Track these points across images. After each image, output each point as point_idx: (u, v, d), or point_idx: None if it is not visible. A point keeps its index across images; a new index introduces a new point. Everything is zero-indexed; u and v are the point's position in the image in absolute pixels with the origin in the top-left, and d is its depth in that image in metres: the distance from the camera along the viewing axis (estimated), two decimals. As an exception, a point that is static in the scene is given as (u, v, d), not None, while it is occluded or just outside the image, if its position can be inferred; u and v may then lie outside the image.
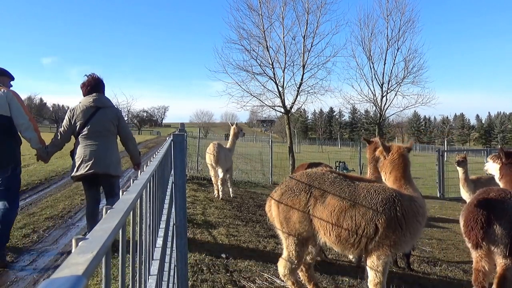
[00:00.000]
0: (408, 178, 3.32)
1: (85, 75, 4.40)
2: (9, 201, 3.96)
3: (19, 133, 4.11)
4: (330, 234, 3.10)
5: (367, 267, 3.17)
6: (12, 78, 4.35)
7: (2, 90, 4.02)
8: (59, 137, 4.29)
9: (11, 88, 4.22)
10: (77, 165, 4.15)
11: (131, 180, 1.25)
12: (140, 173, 1.44)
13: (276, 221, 3.37)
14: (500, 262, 3.22)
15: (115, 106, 4.77)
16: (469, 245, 3.44)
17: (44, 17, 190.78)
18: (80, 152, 4.17)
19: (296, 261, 3.25)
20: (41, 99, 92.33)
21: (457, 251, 6.14)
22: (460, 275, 4.91)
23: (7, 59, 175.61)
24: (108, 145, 4.22)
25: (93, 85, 4.32)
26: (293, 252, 3.23)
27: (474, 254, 3.41)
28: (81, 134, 4.18)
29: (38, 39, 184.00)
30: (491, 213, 3.23)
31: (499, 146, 5.15)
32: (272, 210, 3.44)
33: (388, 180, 3.37)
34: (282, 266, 3.31)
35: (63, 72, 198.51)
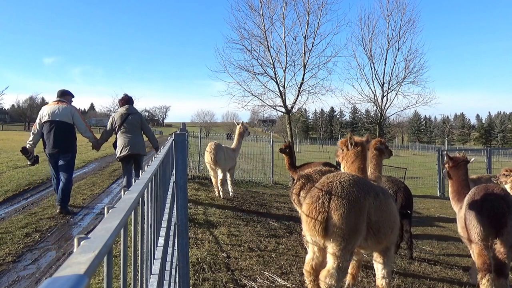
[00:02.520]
0: (366, 169, 3.68)
1: (124, 94, 7.07)
2: (69, 174, 6.41)
3: (80, 133, 6.64)
4: (379, 234, 3.18)
5: (380, 263, 3.41)
6: (73, 96, 6.86)
7: (67, 105, 6.48)
8: (105, 133, 6.90)
9: (72, 104, 6.74)
10: (119, 150, 6.55)
11: (133, 179, 1.25)
12: (142, 172, 1.45)
13: (338, 234, 2.93)
14: (502, 251, 3.54)
15: (139, 112, 7.10)
16: (478, 238, 3.66)
17: (45, 17, 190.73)
18: (120, 142, 6.58)
19: (345, 270, 3.07)
20: (43, 99, 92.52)
21: (457, 250, 6.14)
22: (460, 274, 4.91)
23: (9, 59, 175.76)
24: (137, 136, 6.64)
25: (126, 100, 6.88)
26: (345, 262, 3.02)
27: (478, 246, 3.67)
28: (120, 131, 6.58)
29: (40, 39, 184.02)
30: (504, 206, 3.58)
31: (458, 150, 5.48)
32: (335, 222, 2.93)
33: (349, 169, 3.60)
34: (330, 277, 2.95)
35: (65, 72, 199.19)
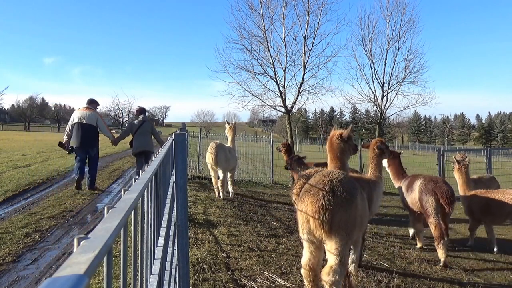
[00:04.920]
0: (341, 161, 3.88)
1: (138, 106, 9.33)
2: (95, 163, 8.61)
3: (100, 133, 8.62)
4: (361, 227, 3.42)
5: (351, 250, 3.58)
6: (98, 104, 9.16)
7: (93, 111, 8.54)
8: (124, 133, 9.02)
9: (97, 110, 9.03)
10: (136, 147, 8.43)
11: (133, 180, 1.25)
12: (142, 172, 1.45)
13: (342, 229, 3.01)
14: (447, 219, 5.42)
15: (150, 120, 9.09)
16: (434, 213, 5.32)
17: (45, 17, 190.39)
18: (136, 141, 8.46)
19: (346, 265, 3.16)
20: (43, 99, 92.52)
21: (457, 250, 6.14)
22: (461, 274, 4.91)
23: (9, 59, 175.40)
24: (148, 138, 8.57)
25: (141, 111, 8.98)
26: (346, 256, 3.10)
27: (435, 220, 5.32)
28: (136, 133, 8.49)
29: (40, 39, 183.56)
30: (451, 189, 5.41)
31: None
32: (341, 218, 3.01)
33: (328, 157, 4.00)
34: (333, 273, 2.99)
35: (65, 72, 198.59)
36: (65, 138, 8.51)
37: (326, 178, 3.16)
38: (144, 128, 8.56)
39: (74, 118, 8.39)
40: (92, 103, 8.77)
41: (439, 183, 5.47)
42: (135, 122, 8.74)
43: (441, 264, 5.19)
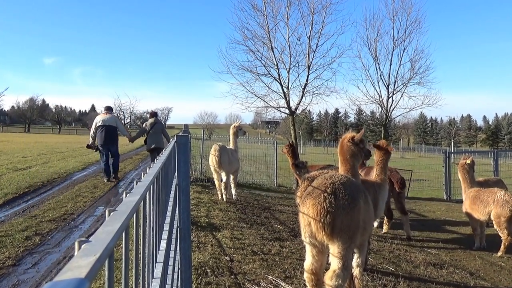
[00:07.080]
0: (350, 164, 3.79)
1: (151, 110, 14.97)
2: (117, 156, 10.50)
3: (119, 133, 10.55)
4: (365, 231, 3.38)
5: (356, 253, 3.56)
6: (113, 110, 11.39)
7: (112, 115, 10.54)
8: (139, 133, 11.05)
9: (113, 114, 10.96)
10: (149, 145, 10.26)
11: (135, 182, 1.22)
12: (144, 174, 1.42)
13: (345, 232, 2.97)
14: (404, 200, 7.01)
15: (161, 122, 11.17)
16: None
17: (45, 17, 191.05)
18: (149, 140, 10.27)
19: (350, 269, 3.13)
20: (43, 100, 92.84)
21: (464, 254, 6.07)
22: (467, 278, 4.84)
23: (9, 59, 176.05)
24: (160, 137, 10.37)
25: (153, 114, 10.95)
26: (350, 260, 3.08)
27: (388, 202, 6.31)
28: (150, 133, 10.30)
29: (40, 39, 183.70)
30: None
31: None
32: (343, 221, 2.97)
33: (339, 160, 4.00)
34: (336, 277, 2.95)
35: (66, 73, 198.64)
36: (90, 140, 10.34)
37: (328, 181, 3.12)
38: (156, 128, 10.44)
39: (98, 121, 10.25)
40: (110, 109, 10.96)
41: (393, 172, 6.88)
42: (148, 123, 10.56)
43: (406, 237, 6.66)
